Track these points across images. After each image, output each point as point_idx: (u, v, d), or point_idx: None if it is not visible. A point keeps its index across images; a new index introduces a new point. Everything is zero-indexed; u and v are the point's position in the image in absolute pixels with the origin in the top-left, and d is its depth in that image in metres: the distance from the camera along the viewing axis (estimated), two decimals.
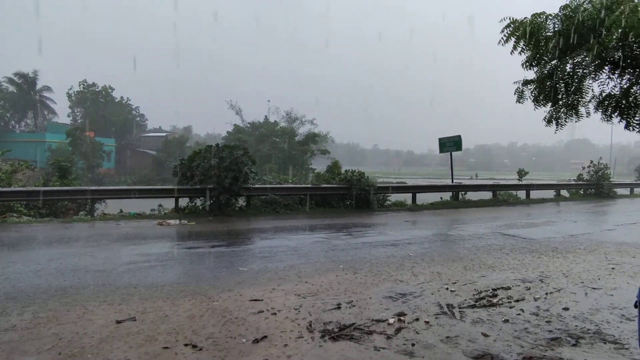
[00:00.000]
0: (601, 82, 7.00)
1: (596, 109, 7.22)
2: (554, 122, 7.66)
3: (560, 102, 7.32)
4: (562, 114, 7.55)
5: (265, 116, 43.58)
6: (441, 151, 21.83)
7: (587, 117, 7.44)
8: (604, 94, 7.07)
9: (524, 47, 7.42)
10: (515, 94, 7.94)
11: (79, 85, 53.50)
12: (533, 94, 7.64)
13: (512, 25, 7.40)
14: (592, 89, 7.17)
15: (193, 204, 16.04)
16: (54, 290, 6.28)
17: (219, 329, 4.92)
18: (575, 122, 7.61)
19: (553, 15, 7.04)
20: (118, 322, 5.06)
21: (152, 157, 49.45)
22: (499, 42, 7.60)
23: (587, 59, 6.76)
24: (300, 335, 4.75)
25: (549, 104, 7.56)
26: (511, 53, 7.66)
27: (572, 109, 7.40)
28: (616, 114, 7.00)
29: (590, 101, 7.22)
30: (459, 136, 21.03)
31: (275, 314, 5.41)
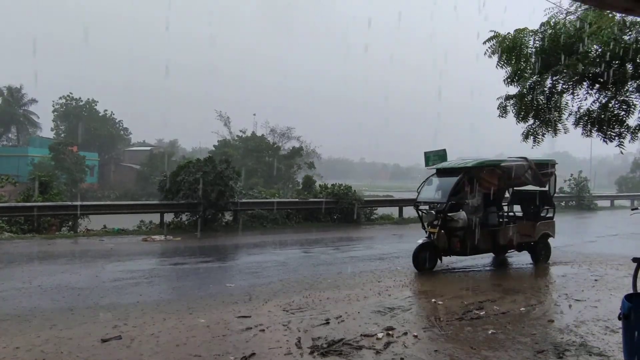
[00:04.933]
0: (579, 98, 7.20)
1: (576, 124, 7.41)
2: (531, 137, 7.82)
3: (540, 118, 7.48)
4: (540, 129, 7.69)
5: (253, 132, 43.53)
6: (427, 165, 21.90)
7: (565, 133, 7.63)
8: (582, 110, 7.26)
9: (505, 61, 7.60)
10: (498, 109, 8.12)
11: (63, 98, 52.86)
12: (515, 109, 7.80)
13: (494, 39, 7.60)
14: (572, 106, 7.37)
15: (179, 219, 15.89)
16: (36, 309, 6.15)
17: (206, 346, 4.86)
18: (553, 137, 7.78)
19: (534, 31, 7.21)
20: (103, 340, 4.97)
21: (137, 171, 48.91)
22: (485, 53, 7.78)
23: (566, 75, 6.95)
24: (289, 352, 4.72)
25: (530, 119, 7.72)
26: (496, 67, 7.83)
27: (551, 124, 7.57)
28: (595, 128, 7.20)
29: (569, 117, 7.42)
30: (444, 150, 21.08)
31: (263, 330, 5.38)
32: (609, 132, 6.95)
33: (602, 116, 6.93)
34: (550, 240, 10.03)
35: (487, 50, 7.66)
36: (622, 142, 6.90)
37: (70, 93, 53.15)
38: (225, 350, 4.77)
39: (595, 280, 8.17)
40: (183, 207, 15.50)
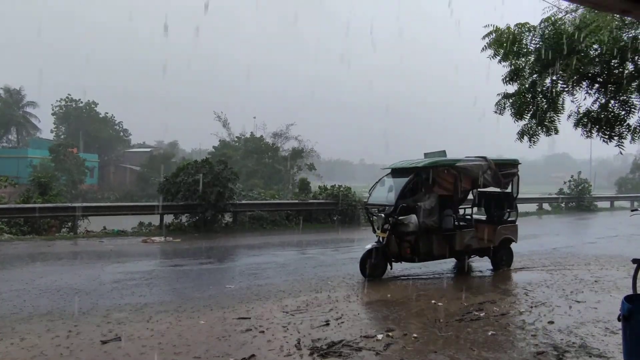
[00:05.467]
0: (575, 98, 7.15)
1: (576, 125, 7.37)
2: (526, 137, 7.70)
3: (538, 118, 7.41)
4: (537, 129, 7.59)
5: (252, 132, 43.49)
6: None
7: (556, 133, 7.54)
8: (581, 110, 7.22)
9: (504, 57, 7.48)
10: (495, 106, 8.03)
11: (62, 100, 52.85)
12: (513, 108, 7.73)
13: (493, 34, 7.49)
14: (572, 106, 7.32)
15: (178, 220, 15.88)
16: (36, 311, 6.15)
17: (206, 347, 4.86)
18: (546, 136, 7.68)
19: (534, 27, 7.13)
20: (103, 342, 4.97)
21: (136, 173, 48.86)
22: (482, 50, 7.72)
23: (565, 73, 6.92)
24: (289, 353, 4.72)
25: (527, 118, 7.63)
26: (492, 58, 7.69)
27: (550, 123, 7.49)
28: (595, 128, 7.16)
29: (569, 118, 7.37)
30: (444, 151, 21.06)
31: (263, 331, 5.37)
32: (610, 132, 6.92)
33: (602, 116, 6.91)
34: (551, 240, 9.96)
35: (485, 46, 7.57)
36: (622, 142, 6.87)
37: (69, 95, 53.13)
38: (225, 351, 4.76)
39: (595, 281, 8.16)
40: (182, 208, 15.50)
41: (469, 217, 9.50)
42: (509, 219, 9.50)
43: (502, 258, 9.21)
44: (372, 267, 8.17)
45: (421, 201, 8.21)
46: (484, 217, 9.85)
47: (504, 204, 9.50)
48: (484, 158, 8.93)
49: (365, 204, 9.06)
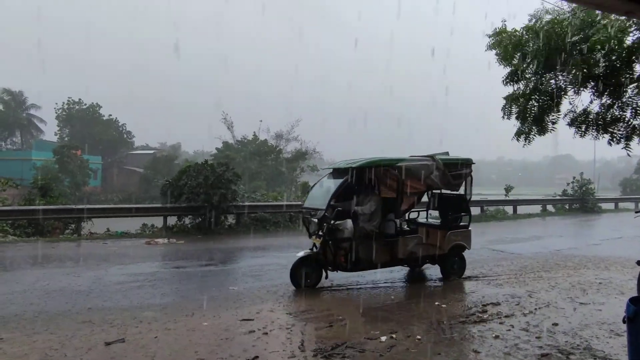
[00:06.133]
0: (574, 99, 7.10)
1: (570, 124, 7.29)
2: (522, 136, 7.62)
3: (539, 119, 7.34)
4: (532, 129, 7.51)
5: (254, 132, 43.57)
6: None
7: (552, 132, 7.47)
8: (578, 110, 7.17)
9: (508, 59, 7.46)
10: (502, 110, 8.00)
11: (65, 103, 53.06)
12: (517, 110, 7.69)
13: (499, 36, 7.47)
14: (572, 106, 7.27)
15: (182, 222, 15.92)
16: (40, 312, 6.17)
17: (209, 349, 4.87)
18: (540, 136, 7.60)
19: (538, 28, 7.10)
20: (107, 343, 4.98)
21: (140, 174, 48.97)
22: (485, 50, 7.70)
23: (570, 74, 6.90)
24: (293, 355, 4.72)
25: (530, 120, 7.57)
26: (495, 59, 7.67)
27: (552, 124, 7.43)
28: (594, 128, 7.10)
29: (565, 116, 7.30)
30: (447, 153, 21.19)
31: (266, 333, 5.38)
32: (612, 133, 6.86)
33: (606, 117, 6.87)
34: (554, 242, 9.72)
35: (487, 45, 7.55)
36: (628, 144, 6.80)
37: (70, 97, 53.34)
38: (228, 353, 4.77)
39: (600, 283, 8.13)
40: (186, 210, 15.53)
41: (420, 221, 9.01)
42: (461, 223, 8.76)
43: (452, 266, 8.47)
44: (305, 276, 7.52)
45: (360, 204, 7.57)
46: (438, 222, 9.16)
47: (456, 208, 8.81)
48: (431, 157, 8.26)
49: (301, 208, 8.32)
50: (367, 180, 7.80)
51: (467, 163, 8.68)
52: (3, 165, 41.34)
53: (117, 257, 10.71)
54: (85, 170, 42.33)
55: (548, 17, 7.04)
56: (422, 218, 9.57)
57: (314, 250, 7.69)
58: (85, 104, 53.62)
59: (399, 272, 8.89)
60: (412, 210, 9.70)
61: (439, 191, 9.03)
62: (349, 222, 7.41)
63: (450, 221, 8.66)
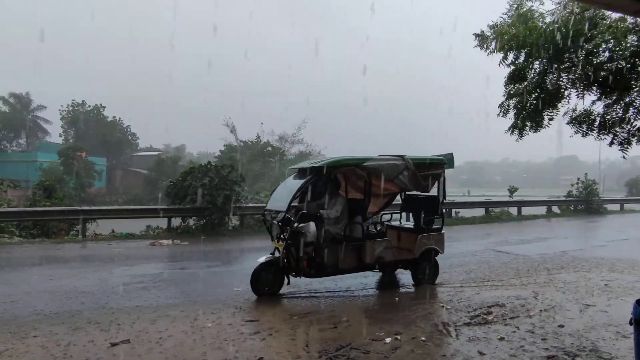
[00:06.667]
0: (577, 96, 7.04)
1: (569, 123, 7.23)
2: (517, 131, 7.53)
3: (535, 115, 7.27)
4: (525, 124, 7.42)
5: (258, 134, 43.69)
6: None
7: (546, 127, 7.36)
8: (579, 110, 7.11)
9: (514, 59, 7.38)
10: (499, 108, 7.91)
11: (69, 105, 53.36)
12: (516, 109, 7.61)
13: (506, 35, 7.38)
14: (572, 104, 7.20)
15: (186, 223, 15.96)
16: (45, 313, 6.20)
17: (214, 350, 4.87)
18: (534, 132, 7.50)
19: (541, 28, 7.06)
20: (112, 344, 4.99)
21: (144, 176, 49.16)
22: (479, 47, 7.60)
23: (572, 75, 6.85)
24: (297, 356, 4.72)
25: (526, 114, 7.49)
26: (500, 64, 7.61)
27: (549, 121, 7.35)
28: (596, 129, 7.05)
29: (564, 115, 7.25)
30: (451, 154, 21.05)
31: (271, 334, 5.38)
32: (618, 134, 6.82)
33: (608, 118, 6.82)
34: (560, 243, 9.53)
35: (492, 45, 7.48)
36: (626, 146, 6.75)
37: (74, 100, 53.63)
38: (233, 354, 4.77)
39: (606, 284, 8.08)
40: (190, 211, 15.57)
41: (391, 224, 8.68)
42: (434, 226, 8.31)
43: (424, 272, 8.02)
44: (266, 282, 7.10)
45: (324, 206, 7.22)
46: (411, 225, 8.69)
47: (429, 210, 8.31)
48: (401, 157, 7.80)
49: (264, 210, 7.93)
50: (333, 181, 7.51)
51: (439, 163, 8.25)
52: (9, 167, 41.66)
53: (122, 258, 10.75)
54: (90, 171, 42.56)
55: (529, 5, 7.03)
56: (395, 221, 9.21)
57: (275, 255, 7.30)
58: (90, 106, 53.89)
59: (403, 275, 8.87)
60: (385, 212, 9.34)
61: (412, 193, 8.56)
62: (312, 225, 7.00)
63: (424, 223, 8.18)
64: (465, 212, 21.57)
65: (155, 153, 58.70)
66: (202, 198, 14.98)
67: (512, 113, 7.62)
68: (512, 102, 7.52)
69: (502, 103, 7.68)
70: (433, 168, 8.13)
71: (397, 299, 7.20)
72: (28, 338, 5.19)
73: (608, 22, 6.14)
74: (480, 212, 22.21)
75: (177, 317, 6.03)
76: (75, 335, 5.29)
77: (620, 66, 6.25)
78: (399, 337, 5.29)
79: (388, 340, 5.18)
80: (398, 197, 9.21)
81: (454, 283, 8.24)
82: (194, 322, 5.83)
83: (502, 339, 5.28)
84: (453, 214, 20.89)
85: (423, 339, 5.23)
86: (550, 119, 7.22)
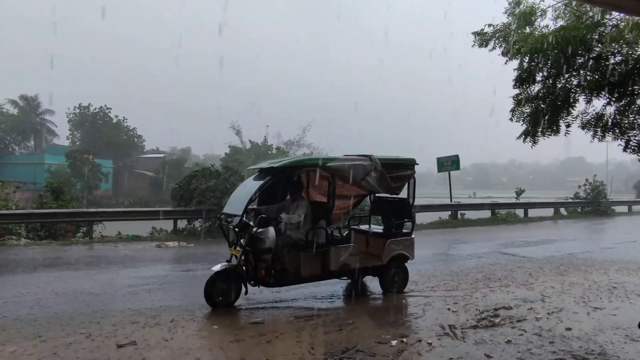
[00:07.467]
0: (587, 100, 6.98)
1: (582, 127, 7.18)
2: (529, 137, 7.45)
3: (549, 122, 7.22)
4: (537, 131, 7.35)
5: (265, 136, 43.87)
6: (439, 170, 21.86)
7: (566, 135, 7.30)
8: (590, 114, 7.05)
9: (527, 64, 7.33)
10: (510, 112, 7.88)
11: (76, 108, 53.71)
12: (529, 112, 7.58)
13: (520, 42, 7.33)
14: (583, 108, 7.15)
15: (191, 225, 16.00)
16: (52, 314, 6.23)
17: (219, 352, 4.88)
18: (545, 138, 7.42)
19: (552, 32, 7.01)
20: (119, 346, 5.01)
21: (150, 178, 49.40)
22: (478, 46, 7.56)
23: (583, 80, 6.80)
24: (303, 359, 4.71)
25: (543, 124, 7.45)
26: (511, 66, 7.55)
27: (564, 128, 7.31)
28: (611, 133, 6.98)
29: (575, 118, 7.19)
30: (457, 156, 21.07)
31: (276, 336, 5.37)
32: (632, 138, 6.73)
33: (622, 122, 6.74)
34: (567, 245, 9.40)
35: (507, 50, 7.43)
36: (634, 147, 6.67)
37: (80, 103, 53.98)
38: (238, 356, 4.77)
39: (614, 287, 8.01)
40: (196, 213, 15.63)
41: (358, 228, 8.28)
42: (403, 230, 7.94)
43: (393, 279, 7.56)
44: (221, 292, 6.58)
45: (285, 210, 6.89)
46: (379, 229, 8.25)
47: (399, 213, 7.89)
48: (368, 157, 7.32)
49: (219, 214, 7.41)
50: (295, 183, 7.18)
51: (409, 164, 7.80)
52: (17, 169, 42.03)
53: (128, 260, 10.79)
54: (96, 173, 42.81)
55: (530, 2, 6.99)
56: (364, 225, 8.66)
57: (232, 262, 6.81)
58: (96, 108, 54.23)
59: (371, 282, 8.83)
60: (353, 216, 8.98)
61: (381, 195, 8.16)
62: (270, 231, 6.53)
63: (393, 228, 7.73)
64: (471, 214, 21.46)
65: (161, 155, 59.00)
66: (208, 200, 15.08)
67: (522, 119, 7.54)
68: (527, 109, 7.43)
69: (513, 109, 7.61)
70: (403, 169, 7.70)
71: (403, 301, 7.17)
72: (36, 339, 5.22)
73: (620, 27, 6.08)
74: (486, 214, 22.09)
75: (183, 319, 6.04)
76: (81, 337, 5.31)
77: (634, 71, 6.19)
78: (404, 339, 5.27)
79: (394, 342, 5.16)
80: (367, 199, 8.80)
81: (458, 285, 8.20)
82: (199, 324, 5.84)
83: (509, 342, 5.25)
84: (459, 216, 20.80)
85: (429, 341, 5.21)
86: (568, 125, 7.13)
